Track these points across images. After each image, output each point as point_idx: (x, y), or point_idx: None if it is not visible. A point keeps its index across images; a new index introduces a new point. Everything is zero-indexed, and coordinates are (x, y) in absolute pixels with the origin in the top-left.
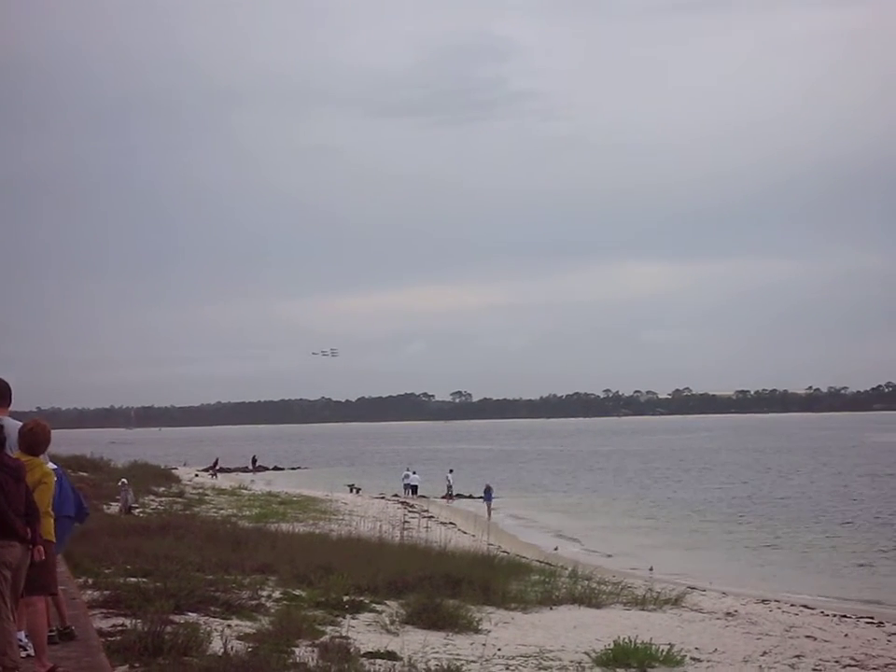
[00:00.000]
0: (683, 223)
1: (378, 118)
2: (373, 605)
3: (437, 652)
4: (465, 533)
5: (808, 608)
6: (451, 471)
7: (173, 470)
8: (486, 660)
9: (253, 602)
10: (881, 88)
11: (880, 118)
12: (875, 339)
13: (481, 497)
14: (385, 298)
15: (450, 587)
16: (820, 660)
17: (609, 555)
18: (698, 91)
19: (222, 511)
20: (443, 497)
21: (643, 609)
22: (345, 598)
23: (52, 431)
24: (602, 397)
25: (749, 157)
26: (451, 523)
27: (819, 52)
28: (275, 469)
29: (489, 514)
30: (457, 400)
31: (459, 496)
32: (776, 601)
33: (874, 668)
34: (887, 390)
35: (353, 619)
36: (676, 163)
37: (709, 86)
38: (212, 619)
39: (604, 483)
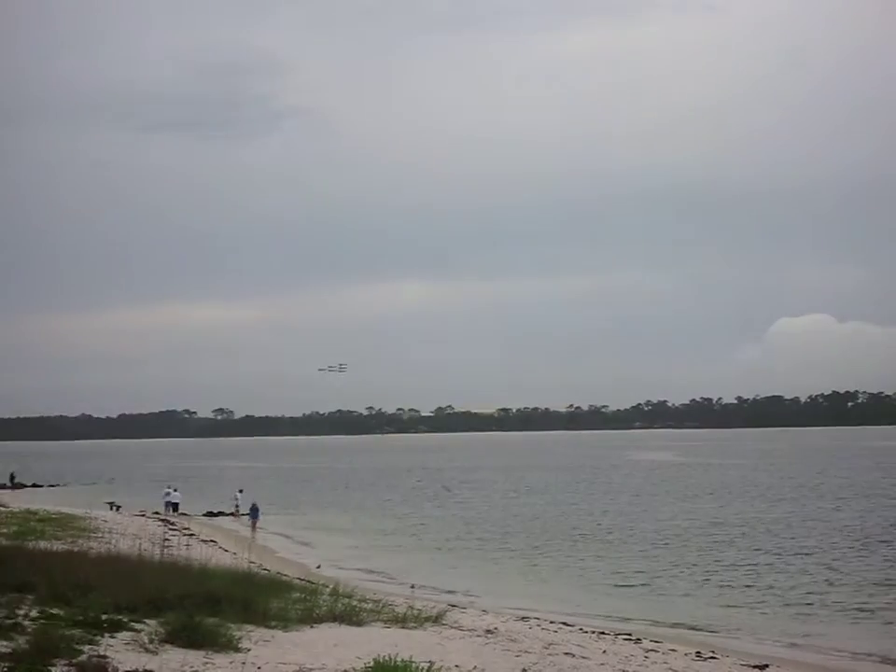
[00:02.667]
0: (450, 241)
1: (143, 133)
2: (132, 623)
3: (196, 671)
4: (226, 551)
5: (567, 625)
6: (240, 491)
7: None
8: None
9: (9, 621)
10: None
11: (665, 141)
12: (635, 358)
13: (246, 515)
14: (149, 313)
15: (210, 605)
16: None
17: (372, 573)
18: (465, 108)
19: None
20: (234, 515)
21: (404, 627)
22: (104, 617)
23: None
24: (365, 414)
25: (518, 172)
26: (212, 541)
27: (592, 74)
28: (34, 486)
29: (254, 532)
30: (220, 417)
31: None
32: (536, 618)
33: None
34: (646, 408)
35: (111, 638)
36: (442, 181)
37: (480, 103)
38: None
39: (368, 501)
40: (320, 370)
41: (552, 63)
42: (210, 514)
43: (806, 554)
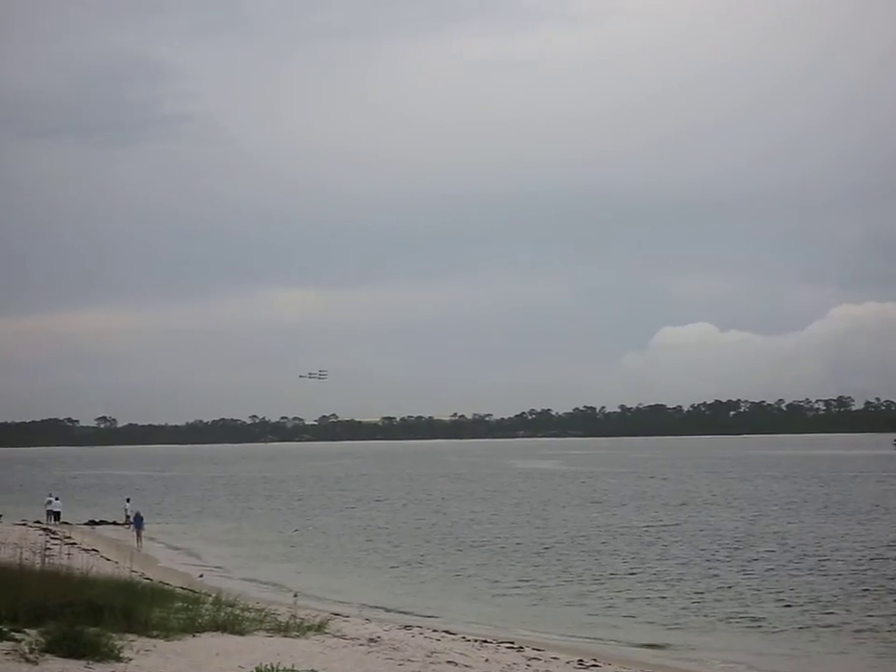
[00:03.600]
0: (335, 249)
1: (25, 139)
2: (12, 633)
3: None
4: (108, 560)
5: (450, 633)
6: (128, 500)
7: None
8: None
9: None
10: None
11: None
12: (519, 367)
13: (131, 525)
14: (29, 320)
15: (91, 615)
16: None
17: (255, 582)
18: (363, 116)
19: None
20: (123, 524)
21: (286, 636)
22: None
23: None
24: (248, 423)
25: (406, 182)
26: (94, 549)
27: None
28: None
29: (139, 541)
30: (103, 426)
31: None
32: (418, 627)
33: None
34: (530, 417)
35: None
36: (333, 189)
37: (381, 109)
38: None
39: (252, 510)
40: (301, 376)
41: (438, 72)
42: (93, 523)
43: (688, 563)
